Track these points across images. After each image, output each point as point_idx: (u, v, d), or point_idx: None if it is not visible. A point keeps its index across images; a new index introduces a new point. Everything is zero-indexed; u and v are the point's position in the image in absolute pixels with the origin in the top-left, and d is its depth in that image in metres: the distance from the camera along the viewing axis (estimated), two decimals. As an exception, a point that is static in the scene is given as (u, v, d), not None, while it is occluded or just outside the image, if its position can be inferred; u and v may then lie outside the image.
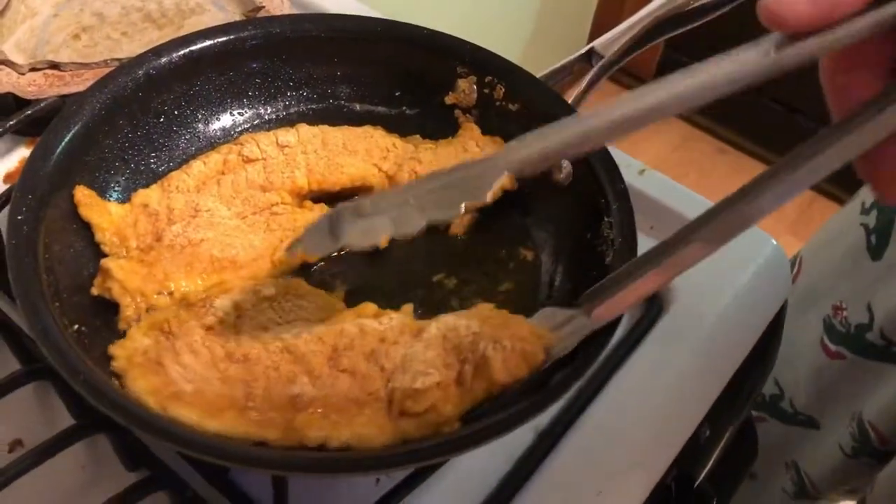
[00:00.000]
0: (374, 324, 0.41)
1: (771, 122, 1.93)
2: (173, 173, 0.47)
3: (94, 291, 0.42)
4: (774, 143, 1.96)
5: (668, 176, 0.62)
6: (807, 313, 0.75)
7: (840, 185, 1.81)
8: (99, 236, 0.44)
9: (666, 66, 1.99)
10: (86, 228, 0.44)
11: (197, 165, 0.48)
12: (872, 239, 0.71)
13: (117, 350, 0.39)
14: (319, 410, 0.38)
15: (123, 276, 0.42)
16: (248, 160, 0.48)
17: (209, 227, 0.45)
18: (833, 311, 0.73)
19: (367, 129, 0.51)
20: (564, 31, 1.88)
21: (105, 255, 0.44)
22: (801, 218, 1.88)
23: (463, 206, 0.36)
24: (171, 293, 0.43)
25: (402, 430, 0.38)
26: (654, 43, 0.54)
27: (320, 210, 0.47)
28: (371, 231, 0.37)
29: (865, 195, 0.74)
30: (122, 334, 0.41)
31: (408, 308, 0.43)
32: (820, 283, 0.75)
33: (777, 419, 0.80)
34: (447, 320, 0.41)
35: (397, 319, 0.42)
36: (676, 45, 1.93)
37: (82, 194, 0.44)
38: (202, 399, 0.38)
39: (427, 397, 0.38)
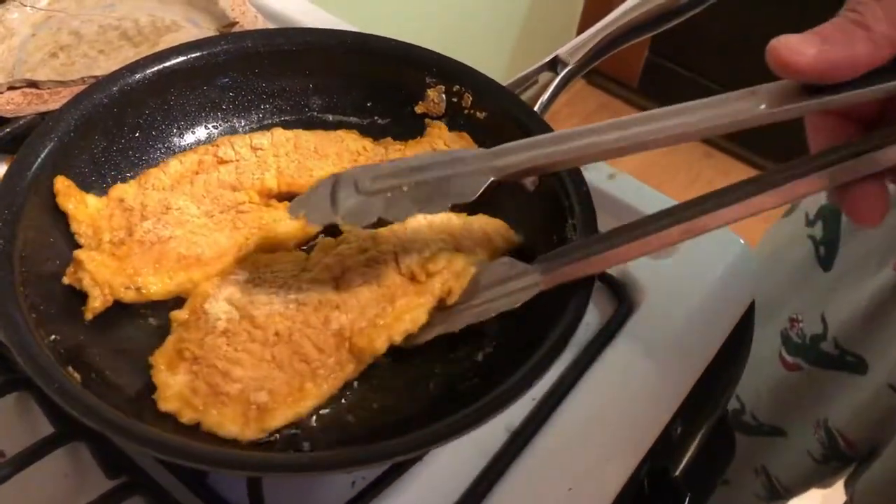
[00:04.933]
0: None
1: (758, 127, 1.94)
2: (151, 170, 0.49)
3: (66, 280, 0.43)
4: (761, 146, 1.98)
5: (656, 180, 0.63)
6: (764, 327, 0.75)
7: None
8: (74, 227, 0.45)
9: (650, 72, 2.01)
10: (64, 243, 0.45)
11: (174, 164, 0.49)
12: (821, 251, 0.72)
13: (168, 405, 0.39)
14: (363, 324, 0.41)
15: (94, 268, 0.43)
16: (222, 161, 0.50)
17: (177, 225, 0.46)
18: (790, 323, 0.74)
19: (340, 134, 0.52)
20: (549, 42, 1.90)
21: (78, 246, 0.45)
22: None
23: (450, 203, 0.40)
24: (138, 288, 0.44)
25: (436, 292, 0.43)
26: (618, 49, 0.55)
27: (284, 208, 0.49)
28: (366, 211, 0.40)
29: (807, 206, 0.75)
30: (89, 326, 0.42)
31: None
32: (775, 297, 0.75)
33: (741, 432, 0.81)
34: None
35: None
36: (660, 50, 1.95)
37: (62, 184, 0.45)
38: (279, 395, 0.39)
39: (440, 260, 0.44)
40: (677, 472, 0.55)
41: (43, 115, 0.54)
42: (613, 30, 0.55)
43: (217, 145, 0.50)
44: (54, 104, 0.54)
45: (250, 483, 0.41)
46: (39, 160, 0.44)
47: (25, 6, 0.59)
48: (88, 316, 0.43)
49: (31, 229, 0.42)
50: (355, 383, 0.43)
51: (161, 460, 0.43)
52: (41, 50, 0.57)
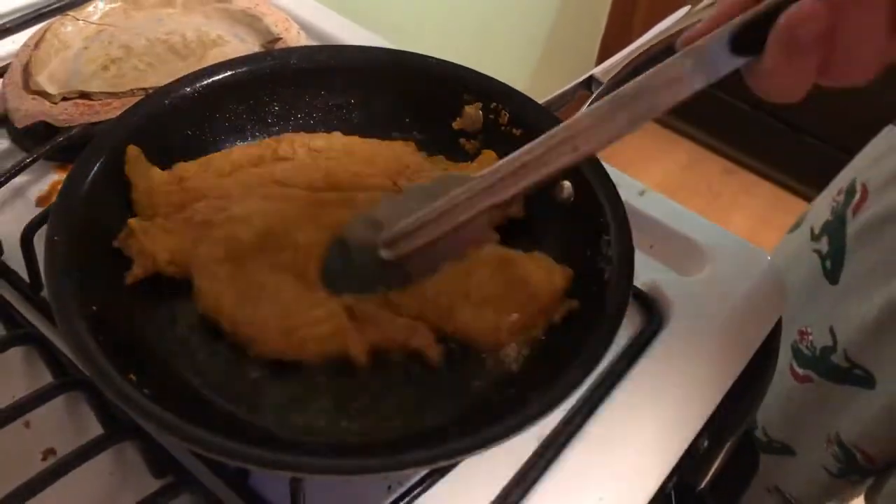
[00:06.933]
0: None
1: (777, 142, 1.95)
2: (215, 155, 0.52)
3: (116, 244, 0.46)
4: (781, 162, 1.98)
5: (678, 196, 0.64)
6: None
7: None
8: (135, 196, 0.48)
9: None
10: (117, 252, 0.47)
11: (237, 153, 0.52)
12: (828, 264, 0.73)
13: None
14: None
15: (144, 239, 0.46)
16: (280, 159, 0.52)
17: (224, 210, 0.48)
18: (799, 336, 0.75)
19: (394, 145, 0.54)
20: (571, 59, 1.91)
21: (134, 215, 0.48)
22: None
23: None
24: (179, 265, 0.46)
25: None
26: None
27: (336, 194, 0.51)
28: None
29: (813, 221, 0.76)
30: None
31: None
32: (784, 311, 0.76)
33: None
34: None
35: None
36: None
37: (132, 153, 0.48)
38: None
39: None
40: (702, 486, 0.56)
41: (94, 124, 0.56)
42: (647, 50, 0.57)
43: (279, 141, 0.52)
44: (106, 115, 0.56)
45: (293, 483, 0.42)
46: (96, 168, 0.46)
47: (79, 20, 0.61)
48: (129, 281, 0.45)
49: (87, 239, 0.44)
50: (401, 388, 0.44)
51: (207, 460, 0.44)
52: (93, 62, 0.59)
